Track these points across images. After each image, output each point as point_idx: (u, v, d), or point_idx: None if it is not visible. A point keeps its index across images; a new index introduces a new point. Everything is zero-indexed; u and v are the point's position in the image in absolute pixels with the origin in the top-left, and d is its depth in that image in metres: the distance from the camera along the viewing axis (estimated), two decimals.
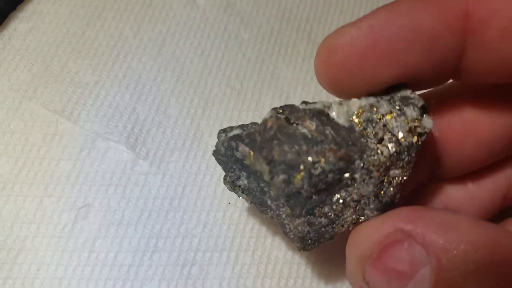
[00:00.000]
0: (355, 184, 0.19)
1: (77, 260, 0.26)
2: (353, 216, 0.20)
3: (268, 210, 0.22)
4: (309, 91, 0.32)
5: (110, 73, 0.30)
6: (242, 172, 0.21)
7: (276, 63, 0.33)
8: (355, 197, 0.19)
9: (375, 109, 0.19)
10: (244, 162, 0.20)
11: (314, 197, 0.19)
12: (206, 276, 0.27)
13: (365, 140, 0.19)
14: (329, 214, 0.19)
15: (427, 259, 0.16)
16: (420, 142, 0.19)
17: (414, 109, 0.19)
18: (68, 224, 0.27)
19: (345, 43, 0.18)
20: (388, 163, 0.19)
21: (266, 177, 0.19)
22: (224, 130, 0.22)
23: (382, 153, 0.19)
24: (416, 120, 0.19)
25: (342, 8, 0.35)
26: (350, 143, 0.19)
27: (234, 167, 0.22)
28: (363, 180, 0.19)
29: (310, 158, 0.18)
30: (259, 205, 0.22)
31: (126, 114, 0.29)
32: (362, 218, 0.20)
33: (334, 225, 0.20)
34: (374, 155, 0.18)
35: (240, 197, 0.23)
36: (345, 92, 0.20)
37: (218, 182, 0.29)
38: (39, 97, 0.29)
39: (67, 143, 0.28)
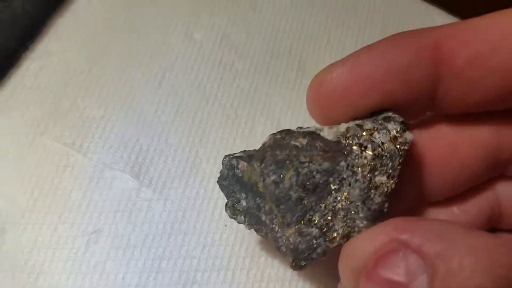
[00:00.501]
0: (343, 188, 0.20)
1: (89, 282, 0.29)
2: (344, 228, 0.20)
3: (263, 227, 0.22)
4: (299, 116, 0.35)
5: (115, 107, 0.33)
6: (242, 194, 0.23)
7: (268, 91, 0.35)
8: (344, 204, 0.20)
9: (360, 127, 0.21)
10: (243, 179, 0.23)
11: (303, 201, 0.20)
12: None
13: (350, 148, 0.20)
14: (320, 223, 0.20)
15: (424, 268, 0.16)
16: (402, 152, 0.20)
17: (395, 124, 0.21)
18: (81, 249, 0.30)
19: (332, 77, 0.22)
20: (372, 165, 0.20)
21: (260, 184, 0.20)
22: (227, 155, 0.24)
23: (365, 157, 0.20)
24: (397, 132, 0.21)
25: (329, 38, 0.37)
26: (336, 150, 0.20)
27: (235, 189, 0.23)
28: (349, 184, 0.20)
29: (298, 159, 0.20)
30: (255, 225, 0.23)
31: (130, 145, 0.32)
32: (354, 232, 0.20)
33: (325, 237, 0.20)
34: (358, 158, 0.20)
35: (239, 223, 0.24)
36: (333, 120, 0.23)
37: (215, 206, 0.31)
38: (50, 132, 0.32)
39: (77, 174, 0.31)
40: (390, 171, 0.20)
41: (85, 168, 0.31)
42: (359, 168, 0.20)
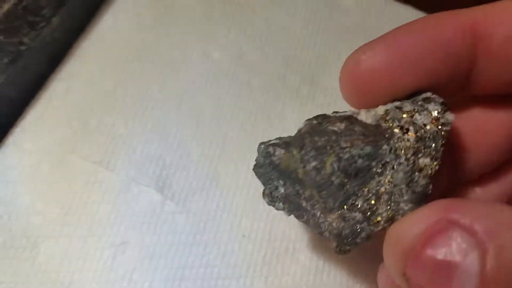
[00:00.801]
0: (386, 172, 0.19)
1: None
2: (388, 212, 0.19)
3: (304, 213, 0.22)
4: None
5: (140, 125, 0.35)
6: (279, 181, 0.22)
7: (282, 106, 0.37)
8: (387, 187, 0.19)
9: (399, 109, 0.21)
10: (280, 167, 0.22)
11: (346, 186, 0.19)
12: None
13: (391, 131, 0.20)
14: (363, 208, 0.20)
15: (475, 246, 0.16)
16: (444, 133, 0.20)
17: (435, 105, 0.20)
18: (109, 259, 0.32)
19: (370, 56, 0.21)
20: (415, 147, 0.19)
21: (300, 170, 0.20)
22: (263, 142, 0.24)
23: (408, 140, 0.19)
24: (438, 113, 0.20)
25: (340, 52, 0.39)
26: (377, 134, 0.20)
27: (272, 177, 0.23)
28: (393, 167, 0.19)
29: (339, 144, 0.19)
30: (295, 211, 0.22)
31: (154, 160, 0.34)
32: (398, 215, 0.19)
33: (369, 221, 0.20)
34: (400, 141, 0.19)
35: (278, 209, 0.23)
36: (370, 102, 0.22)
37: (234, 217, 0.33)
38: (79, 150, 0.34)
39: (106, 189, 0.33)
40: (433, 152, 0.19)
41: (113, 183, 0.34)
42: (402, 151, 0.19)
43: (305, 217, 0.22)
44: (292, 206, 0.22)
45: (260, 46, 0.39)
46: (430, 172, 0.19)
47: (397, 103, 0.21)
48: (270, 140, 0.24)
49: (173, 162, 0.34)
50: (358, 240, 0.20)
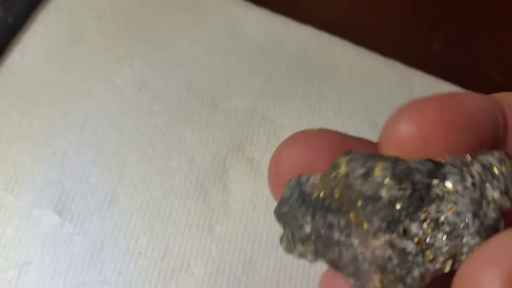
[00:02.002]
0: (448, 196, 0.16)
1: None
2: (449, 246, 0.16)
3: (335, 248, 0.17)
4: (211, 151, 0.39)
5: (42, 152, 0.38)
6: (306, 217, 0.18)
7: (182, 129, 0.40)
8: (449, 215, 0.16)
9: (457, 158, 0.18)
10: (312, 196, 0.18)
11: (397, 205, 0.16)
12: None
13: (451, 162, 0.17)
14: (418, 236, 0.16)
15: None
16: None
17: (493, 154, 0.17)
18: (14, 279, 0.35)
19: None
20: (482, 173, 0.16)
21: (338, 189, 0.17)
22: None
23: (473, 168, 0.16)
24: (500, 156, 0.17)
25: (241, 77, 0.42)
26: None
27: (298, 214, 0.18)
28: (457, 191, 0.16)
29: (395, 156, 0.17)
30: (323, 248, 0.18)
31: (54, 186, 0.37)
32: (462, 253, 0.16)
33: (424, 256, 0.16)
34: (465, 167, 0.16)
35: (299, 256, 0.18)
36: None
37: (131, 236, 0.36)
38: None
39: (10, 213, 0.36)
40: (503, 186, 0.16)
41: (17, 208, 0.36)
42: (468, 174, 0.16)
43: (336, 251, 0.17)
44: (319, 244, 0.18)
45: (163, 73, 0.42)
46: (499, 204, 0.16)
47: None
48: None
49: (72, 186, 0.37)
50: (408, 281, 0.16)
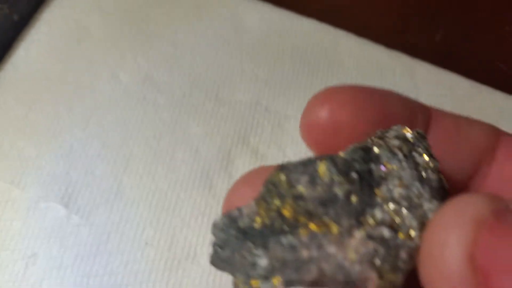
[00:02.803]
0: (391, 172, 0.16)
1: None
2: (416, 218, 0.15)
3: (311, 266, 0.16)
4: (215, 143, 0.39)
5: (48, 147, 0.38)
6: (257, 250, 0.16)
7: (187, 122, 0.40)
8: (401, 190, 0.16)
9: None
10: (255, 225, 0.16)
11: (354, 197, 0.15)
12: None
13: (373, 141, 0.17)
14: (386, 220, 0.15)
15: None
16: (423, 136, 0.17)
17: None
18: (21, 271, 0.35)
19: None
20: (405, 145, 0.16)
21: (288, 203, 0.16)
22: (216, 219, 0.17)
23: (395, 141, 0.17)
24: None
25: (243, 69, 0.42)
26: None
27: (245, 252, 0.16)
28: (395, 167, 0.16)
29: (327, 155, 0.16)
30: (295, 272, 0.15)
31: (60, 179, 0.37)
32: (429, 216, 0.15)
33: (401, 235, 0.15)
34: (390, 141, 0.17)
35: None
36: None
37: (137, 227, 0.36)
38: None
39: (17, 207, 0.36)
40: (425, 149, 0.17)
41: (24, 201, 0.37)
42: (396, 149, 0.16)
43: (314, 269, 0.16)
44: (288, 272, 0.16)
45: (167, 68, 0.42)
46: (433, 166, 0.16)
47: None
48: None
49: (78, 179, 0.37)
50: (400, 265, 0.15)
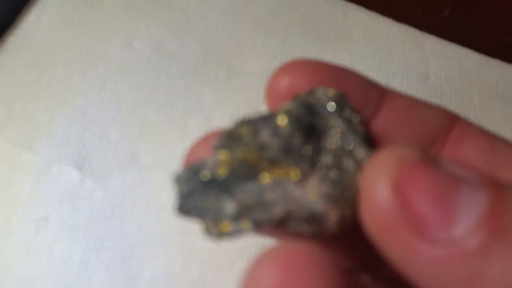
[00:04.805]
0: (329, 124, 0.17)
1: (38, 262, 0.32)
2: (356, 164, 0.17)
3: (277, 206, 0.16)
4: (228, 112, 0.38)
5: (61, 111, 0.36)
6: (222, 198, 0.16)
7: (200, 90, 0.39)
8: (340, 139, 0.17)
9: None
10: (217, 175, 0.16)
11: (308, 145, 0.17)
12: (142, 267, 0.32)
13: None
14: (334, 163, 0.17)
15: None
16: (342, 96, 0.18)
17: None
18: (31, 234, 0.33)
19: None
20: (336, 103, 0.18)
21: (252, 149, 0.16)
22: (175, 174, 0.17)
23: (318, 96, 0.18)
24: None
25: (255, 40, 0.41)
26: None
27: (209, 200, 0.16)
28: (330, 120, 0.17)
29: (280, 108, 0.17)
30: (264, 213, 0.16)
31: (74, 143, 0.35)
32: (364, 160, 0.17)
33: (346, 174, 0.17)
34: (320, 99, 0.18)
35: (239, 234, 0.16)
36: None
37: (151, 191, 0.34)
38: (3, 134, 0.35)
39: (28, 170, 0.35)
40: (347, 106, 0.18)
41: (35, 165, 0.35)
42: (327, 105, 0.17)
43: (279, 209, 0.16)
44: (256, 213, 0.16)
45: (179, 36, 0.41)
46: (359, 119, 0.18)
47: None
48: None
49: (92, 143, 0.36)
50: (349, 200, 0.16)
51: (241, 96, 0.39)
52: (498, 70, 0.41)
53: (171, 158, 0.36)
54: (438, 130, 0.19)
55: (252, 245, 0.33)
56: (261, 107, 0.39)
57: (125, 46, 0.40)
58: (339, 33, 0.42)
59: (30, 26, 0.39)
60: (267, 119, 0.17)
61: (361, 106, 0.18)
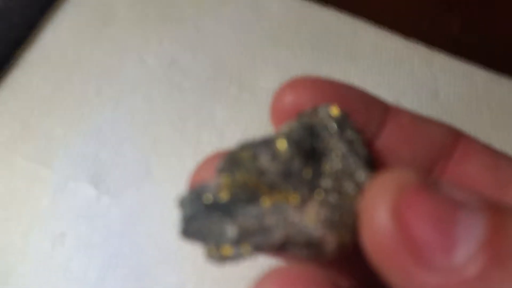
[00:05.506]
0: (329, 146, 0.17)
1: (55, 278, 0.32)
2: (355, 187, 0.17)
3: (275, 231, 0.16)
4: (240, 127, 0.38)
5: (77, 127, 0.36)
6: (224, 222, 0.16)
7: (212, 105, 0.39)
8: (340, 161, 0.17)
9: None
10: (219, 199, 0.16)
11: (307, 169, 0.17)
12: (156, 285, 0.33)
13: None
14: (334, 188, 0.17)
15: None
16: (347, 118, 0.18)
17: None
18: (48, 250, 0.33)
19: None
20: (337, 123, 0.18)
21: (252, 176, 0.16)
22: (179, 197, 0.17)
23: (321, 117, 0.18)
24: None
25: (266, 55, 0.41)
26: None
27: (212, 223, 0.16)
28: (331, 142, 0.17)
29: (280, 132, 0.17)
30: (263, 238, 0.16)
31: (90, 159, 0.35)
32: (364, 183, 0.17)
33: (346, 201, 0.17)
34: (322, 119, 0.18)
35: (239, 259, 0.16)
36: None
37: (166, 207, 0.35)
38: (20, 151, 0.35)
39: (45, 186, 0.35)
40: (351, 126, 0.18)
41: (51, 180, 0.35)
42: (329, 126, 0.17)
43: (278, 234, 0.16)
44: (256, 238, 0.16)
45: (191, 52, 0.41)
46: (360, 140, 0.17)
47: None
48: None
49: (108, 159, 0.36)
50: (348, 225, 0.16)
51: (253, 111, 0.39)
52: (508, 86, 0.41)
53: (184, 173, 0.36)
54: (442, 146, 0.19)
55: (265, 263, 0.33)
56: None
57: (139, 62, 0.40)
58: (348, 49, 0.42)
59: (46, 42, 0.39)
60: (267, 143, 0.17)
61: (365, 123, 0.18)
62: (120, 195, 0.35)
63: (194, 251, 0.34)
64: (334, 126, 0.17)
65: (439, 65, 0.42)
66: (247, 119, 0.39)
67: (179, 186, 0.36)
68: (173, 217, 0.34)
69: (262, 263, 0.35)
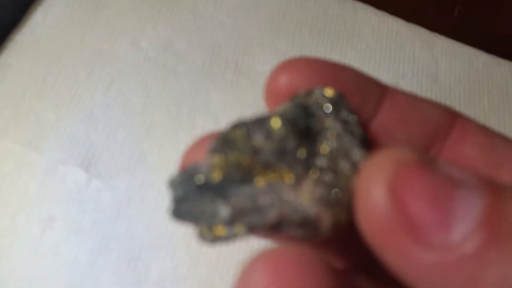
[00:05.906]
0: (324, 126, 0.17)
1: (44, 263, 0.31)
2: (351, 166, 0.17)
3: (270, 211, 0.16)
4: (235, 112, 0.37)
5: (68, 110, 0.35)
6: (216, 202, 0.16)
7: (207, 90, 0.38)
8: (335, 141, 0.17)
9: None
10: (211, 179, 0.16)
11: (302, 148, 0.16)
12: (149, 269, 0.31)
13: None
14: (329, 167, 0.16)
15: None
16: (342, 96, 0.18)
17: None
18: (37, 234, 0.32)
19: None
20: (332, 103, 0.17)
21: (246, 152, 0.16)
22: (170, 178, 0.17)
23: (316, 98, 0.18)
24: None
25: (263, 41, 0.40)
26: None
27: (204, 204, 0.16)
28: (326, 122, 0.17)
29: (273, 111, 0.17)
30: (257, 217, 0.16)
31: (81, 143, 0.35)
32: (359, 162, 0.17)
33: (341, 180, 0.16)
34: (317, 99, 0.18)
35: (233, 238, 0.15)
36: None
37: (158, 192, 0.34)
38: (10, 134, 0.34)
39: (34, 170, 0.34)
40: (345, 106, 0.17)
41: (41, 165, 0.34)
42: (324, 106, 0.17)
43: (273, 214, 0.16)
44: (250, 218, 0.16)
45: (187, 36, 0.40)
46: (355, 120, 0.17)
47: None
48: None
49: (99, 143, 0.35)
50: (343, 204, 0.16)
51: (249, 96, 0.38)
52: (508, 70, 0.40)
53: (178, 159, 0.35)
54: (438, 126, 0.19)
55: (260, 246, 0.32)
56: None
57: (133, 46, 0.39)
58: (348, 32, 0.41)
59: (37, 25, 0.39)
60: (261, 122, 0.16)
61: (361, 104, 0.18)
62: (111, 180, 0.34)
63: (188, 235, 0.33)
64: (329, 106, 0.17)
65: (439, 48, 0.41)
66: (243, 104, 0.38)
67: (173, 171, 0.35)
68: (166, 202, 0.33)
69: (256, 246, 0.33)
